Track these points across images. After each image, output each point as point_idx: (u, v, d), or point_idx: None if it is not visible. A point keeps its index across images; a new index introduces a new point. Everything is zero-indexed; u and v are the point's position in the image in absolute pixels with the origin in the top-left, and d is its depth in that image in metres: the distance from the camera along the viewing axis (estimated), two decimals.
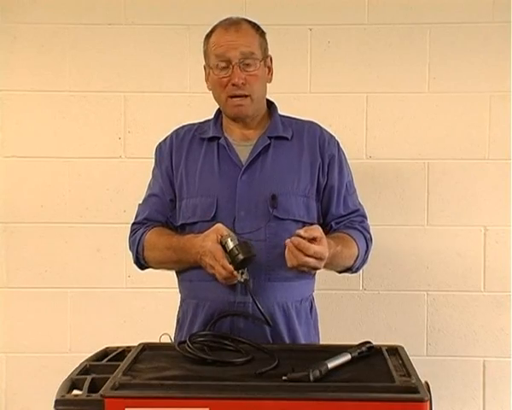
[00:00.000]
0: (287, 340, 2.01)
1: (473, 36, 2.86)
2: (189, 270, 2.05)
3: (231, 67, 1.99)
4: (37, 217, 2.94)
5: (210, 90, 2.10)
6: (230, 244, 1.84)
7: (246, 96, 2.02)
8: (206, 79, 2.10)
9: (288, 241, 1.83)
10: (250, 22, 2.07)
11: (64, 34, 2.92)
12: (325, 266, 1.98)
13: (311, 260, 1.82)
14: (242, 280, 1.87)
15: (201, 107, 2.79)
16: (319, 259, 1.83)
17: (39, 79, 2.93)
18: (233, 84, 1.99)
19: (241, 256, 1.82)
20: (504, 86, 2.85)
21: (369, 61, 2.89)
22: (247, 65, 2.00)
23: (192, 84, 2.89)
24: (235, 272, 1.85)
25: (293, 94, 2.82)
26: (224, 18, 2.08)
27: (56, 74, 2.93)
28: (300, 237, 1.81)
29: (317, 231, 1.84)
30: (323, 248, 1.83)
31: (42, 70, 2.93)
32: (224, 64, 2.00)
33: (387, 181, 2.90)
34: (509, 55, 2.82)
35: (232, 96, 2.02)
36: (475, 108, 2.87)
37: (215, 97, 2.09)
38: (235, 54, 1.98)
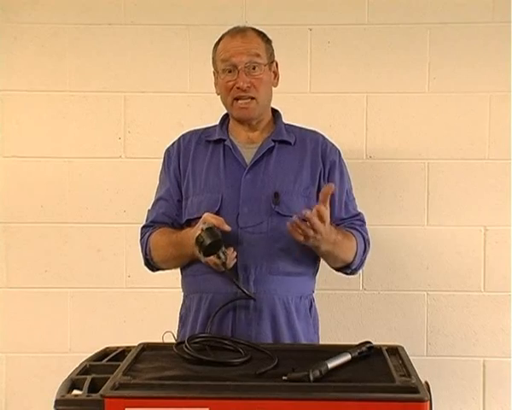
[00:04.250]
0: (286, 334, 2.06)
1: (473, 36, 2.86)
2: (191, 264, 2.12)
3: (237, 71, 2.06)
4: (37, 217, 2.94)
5: (218, 94, 2.17)
6: (198, 233, 1.89)
7: (251, 98, 2.09)
8: (215, 84, 2.17)
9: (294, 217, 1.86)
10: (256, 30, 2.15)
11: (64, 34, 2.92)
12: (326, 255, 2.05)
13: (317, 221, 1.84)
14: (220, 263, 1.91)
15: (201, 107, 2.83)
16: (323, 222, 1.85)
17: (39, 79, 2.93)
18: (238, 88, 2.06)
19: (207, 241, 1.87)
20: (504, 86, 2.85)
21: (369, 61, 2.88)
22: (253, 69, 2.07)
23: (192, 84, 2.89)
24: (213, 257, 1.90)
25: (293, 94, 2.82)
26: (232, 27, 2.15)
27: (56, 74, 2.93)
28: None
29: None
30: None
31: (42, 70, 2.93)
32: (230, 68, 2.07)
33: (387, 181, 2.90)
34: (509, 55, 2.82)
35: (237, 99, 2.09)
36: (475, 108, 2.87)
37: (222, 101, 2.16)
38: (241, 59, 2.06)
